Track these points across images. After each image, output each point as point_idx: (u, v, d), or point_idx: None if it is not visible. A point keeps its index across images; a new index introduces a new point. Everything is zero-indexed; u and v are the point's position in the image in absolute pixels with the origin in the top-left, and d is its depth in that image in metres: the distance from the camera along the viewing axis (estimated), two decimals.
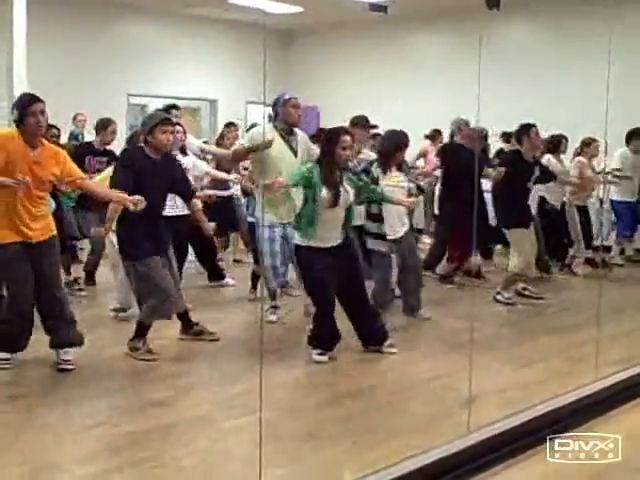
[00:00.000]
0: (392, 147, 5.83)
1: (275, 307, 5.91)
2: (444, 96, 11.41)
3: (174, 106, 7.19)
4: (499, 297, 6.67)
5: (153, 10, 12.39)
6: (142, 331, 4.89)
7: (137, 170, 4.63)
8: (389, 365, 4.92)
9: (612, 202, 8.80)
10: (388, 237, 5.76)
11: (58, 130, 7.66)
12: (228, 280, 7.33)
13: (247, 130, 8.58)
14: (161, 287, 4.73)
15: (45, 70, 10.43)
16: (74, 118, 10.30)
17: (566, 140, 8.30)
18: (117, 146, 7.04)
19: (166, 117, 4.90)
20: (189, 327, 5.33)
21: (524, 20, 11.45)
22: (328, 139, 4.80)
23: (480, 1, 7.57)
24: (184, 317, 5.31)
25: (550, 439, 3.66)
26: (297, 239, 4.87)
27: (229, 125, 8.26)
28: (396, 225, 5.80)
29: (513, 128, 7.35)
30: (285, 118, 5.50)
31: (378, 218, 5.72)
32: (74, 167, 4.59)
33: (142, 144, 4.81)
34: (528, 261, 6.57)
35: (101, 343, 5.20)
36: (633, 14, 9.97)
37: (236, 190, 7.65)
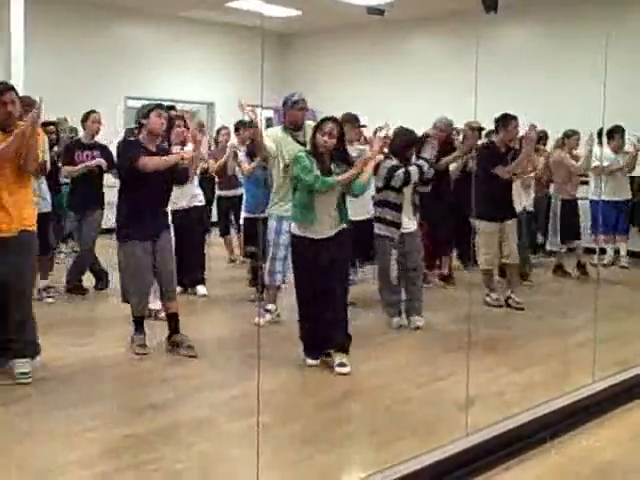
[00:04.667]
0: (402, 144, 5.84)
1: (267, 310, 5.88)
2: (442, 99, 11.42)
3: (171, 107, 7.23)
4: (488, 299, 6.71)
5: (151, 13, 12.40)
6: (136, 325, 5.11)
7: (134, 154, 4.90)
8: (387, 368, 4.93)
9: (591, 202, 8.84)
10: (402, 229, 5.77)
11: (56, 126, 7.60)
12: (199, 288, 6.93)
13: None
14: (136, 279, 5.02)
15: (42, 73, 10.44)
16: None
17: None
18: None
19: (159, 104, 5.15)
20: (171, 332, 5.15)
21: (521, 23, 11.47)
22: (314, 127, 4.82)
23: (477, 5, 7.60)
24: (173, 319, 5.17)
25: (548, 440, 3.68)
26: (293, 229, 4.86)
27: (222, 129, 8.86)
28: (408, 220, 5.83)
29: None
30: (291, 120, 5.66)
31: (397, 207, 5.72)
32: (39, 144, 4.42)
33: (138, 136, 5.07)
34: (491, 257, 6.60)
35: (98, 346, 5.21)
36: (629, 17, 10.02)
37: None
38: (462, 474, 3.30)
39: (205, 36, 13.06)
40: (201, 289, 6.89)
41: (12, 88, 4.34)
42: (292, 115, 5.64)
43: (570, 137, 8.25)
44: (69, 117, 9.08)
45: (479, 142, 7.49)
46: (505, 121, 6.59)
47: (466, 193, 6.12)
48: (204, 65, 13.11)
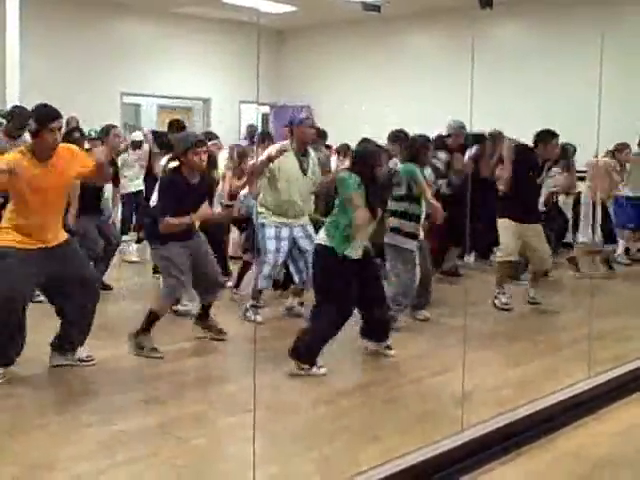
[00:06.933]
0: (420, 146, 5.82)
1: (256, 307, 5.86)
2: (437, 96, 11.45)
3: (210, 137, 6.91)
4: (497, 302, 6.54)
5: (146, 9, 12.38)
6: (149, 325, 4.94)
7: (177, 194, 4.87)
8: (383, 363, 4.93)
9: (617, 198, 8.87)
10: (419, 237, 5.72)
11: (81, 133, 6.89)
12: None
13: (247, 129, 8.66)
14: (177, 272, 4.92)
15: (37, 69, 10.42)
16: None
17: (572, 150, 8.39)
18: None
19: (199, 140, 4.98)
20: (204, 318, 5.35)
21: (517, 20, 11.48)
22: (365, 160, 4.67)
23: (473, 1, 7.62)
24: (207, 307, 5.34)
25: (544, 435, 3.69)
26: (328, 242, 4.62)
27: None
28: (421, 228, 5.80)
29: (505, 128, 7.40)
30: (299, 138, 5.59)
31: (416, 218, 5.63)
32: (85, 155, 4.57)
33: (177, 165, 4.99)
34: (510, 250, 6.48)
35: (93, 343, 5.19)
36: (625, 16, 10.02)
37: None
38: (457, 469, 3.31)
39: (201, 32, 13.03)
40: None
41: (60, 115, 4.33)
42: (301, 132, 5.56)
43: (622, 152, 8.48)
44: (64, 112, 9.04)
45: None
46: (546, 138, 6.43)
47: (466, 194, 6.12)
48: (200, 61, 13.09)
